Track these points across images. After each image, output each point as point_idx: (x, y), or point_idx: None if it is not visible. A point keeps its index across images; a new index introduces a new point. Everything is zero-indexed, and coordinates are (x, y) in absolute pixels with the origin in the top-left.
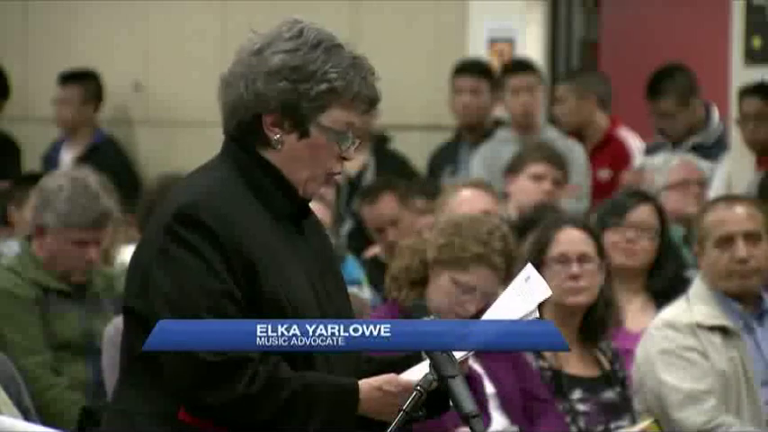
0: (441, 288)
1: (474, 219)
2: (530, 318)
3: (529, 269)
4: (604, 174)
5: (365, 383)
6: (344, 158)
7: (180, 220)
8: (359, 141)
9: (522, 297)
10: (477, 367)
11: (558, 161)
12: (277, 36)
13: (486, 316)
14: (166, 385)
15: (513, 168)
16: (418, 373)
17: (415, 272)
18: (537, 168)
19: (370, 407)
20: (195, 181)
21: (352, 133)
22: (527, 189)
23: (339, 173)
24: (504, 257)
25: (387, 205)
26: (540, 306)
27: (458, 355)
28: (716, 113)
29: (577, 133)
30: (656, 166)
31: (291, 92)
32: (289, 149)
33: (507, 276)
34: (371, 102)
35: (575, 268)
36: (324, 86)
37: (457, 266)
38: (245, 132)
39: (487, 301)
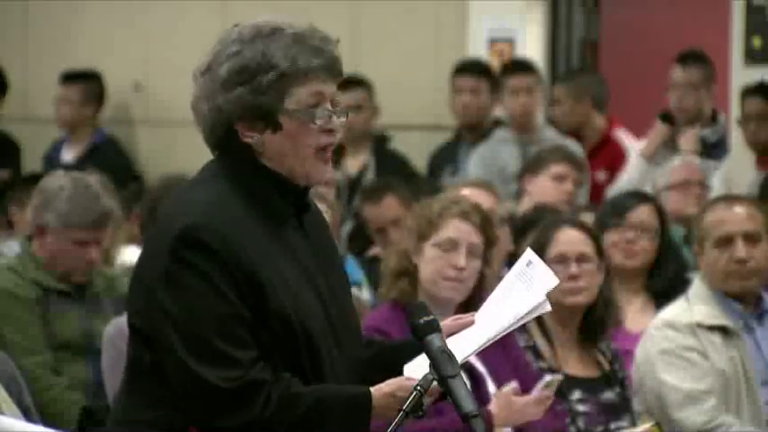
0: (426, 260)
1: (440, 196)
2: (540, 308)
3: (529, 253)
4: (602, 175)
5: (377, 390)
6: (330, 130)
7: (183, 243)
8: (340, 108)
9: (527, 285)
10: (480, 367)
11: (578, 163)
12: (221, 47)
13: (490, 303)
14: (174, 399)
15: (533, 168)
16: (419, 365)
17: (398, 265)
18: (559, 169)
19: (383, 413)
20: (193, 198)
21: (330, 104)
22: (548, 189)
23: (332, 144)
24: (477, 214)
25: (389, 205)
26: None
27: (465, 353)
28: (722, 114)
29: (575, 134)
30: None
31: (248, 93)
32: (270, 147)
33: (488, 240)
34: (329, 68)
35: (573, 268)
36: (272, 74)
37: (431, 229)
38: (227, 147)
39: (477, 257)
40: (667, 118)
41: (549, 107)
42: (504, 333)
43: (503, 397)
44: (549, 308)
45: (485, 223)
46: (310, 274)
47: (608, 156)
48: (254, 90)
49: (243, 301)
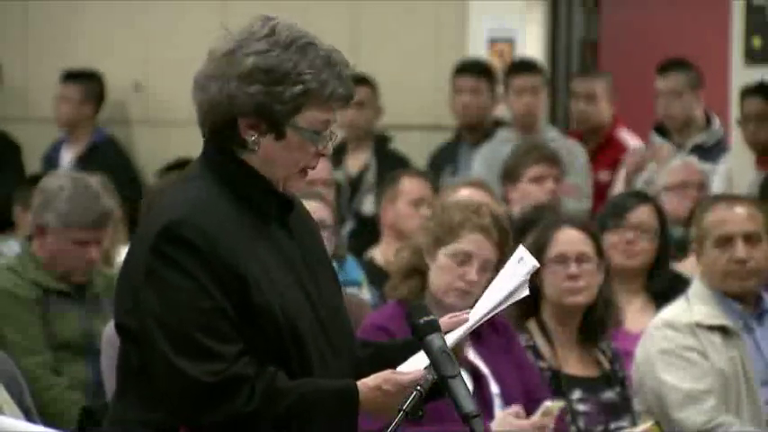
0: (439, 268)
1: (460, 199)
2: (519, 291)
3: (521, 250)
4: (605, 175)
5: (363, 384)
6: (321, 155)
7: (165, 239)
8: (336, 136)
9: (514, 274)
10: (483, 367)
11: (553, 158)
12: (249, 36)
13: (483, 299)
14: (164, 401)
15: (511, 175)
16: (415, 365)
17: (409, 263)
18: (536, 171)
19: (369, 407)
20: (178, 195)
21: (329, 130)
22: (530, 193)
23: (314, 167)
24: (496, 228)
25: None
26: (535, 293)
27: (454, 336)
28: (716, 118)
29: (577, 133)
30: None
31: (265, 95)
32: (265, 151)
33: (502, 252)
34: (346, 99)
35: (573, 268)
36: (298, 88)
37: (449, 238)
38: (220, 134)
39: (489, 272)
40: (662, 129)
41: (575, 101)
42: (485, 318)
43: (504, 416)
44: (526, 292)
45: (502, 237)
46: (297, 273)
47: (611, 156)
48: (272, 94)
49: (226, 297)
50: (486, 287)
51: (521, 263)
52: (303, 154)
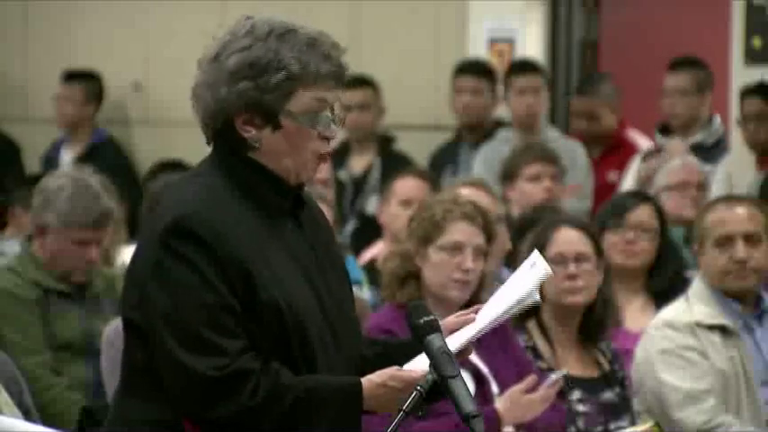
0: (432, 264)
1: (438, 196)
2: (530, 297)
3: (535, 255)
4: (614, 176)
5: (368, 381)
6: (327, 137)
7: (174, 234)
8: (343, 117)
9: (526, 279)
10: (484, 368)
11: (550, 157)
12: (231, 37)
13: (492, 301)
14: (169, 396)
15: (509, 175)
16: (419, 364)
17: (402, 269)
18: (532, 169)
19: (374, 404)
20: (186, 190)
21: (330, 111)
22: (528, 192)
23: (328, 152)
24: (479, 214)
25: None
26: (542, 290)
27: (462, 339)
28: (717, 116)
29: (585, 135)
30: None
31: (253, 88)
32: (267, 144)
33: (490, 239)
34: (337, 76)
35: (572, 268)
36: (281, 75)
37: (435, 233)
38: (223, 139)
39: (482, 259)
40: (666, 129)
41: (576, 120)
42: (495, 324)
43: (511, 393)
44: (537, 297)
45: (486, 223)
46: (306, 270)
47: (621, 156)
48: (259, 87)
49: (233, 292)
50: (482, 277)
51: (533, 268)
52: (304, 140)
